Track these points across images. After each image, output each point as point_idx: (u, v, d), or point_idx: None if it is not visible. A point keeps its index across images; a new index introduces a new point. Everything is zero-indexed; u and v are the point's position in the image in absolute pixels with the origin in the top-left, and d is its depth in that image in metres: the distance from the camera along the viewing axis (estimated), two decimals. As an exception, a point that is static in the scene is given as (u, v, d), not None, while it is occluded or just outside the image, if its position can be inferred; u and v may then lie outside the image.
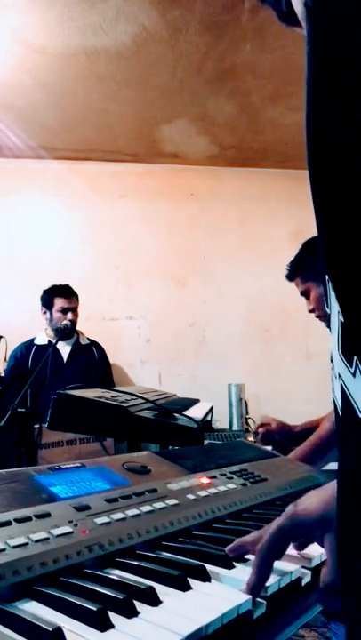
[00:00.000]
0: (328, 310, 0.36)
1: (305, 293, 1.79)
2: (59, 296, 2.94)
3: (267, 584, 0.55)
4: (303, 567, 0.62)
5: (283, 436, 1.75)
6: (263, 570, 0.54)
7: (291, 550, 0.62)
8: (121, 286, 3.63)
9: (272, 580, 0.56)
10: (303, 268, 1.77)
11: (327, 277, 0.34)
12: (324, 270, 0.35)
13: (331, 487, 0.54)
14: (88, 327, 3.23)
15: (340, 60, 0.30)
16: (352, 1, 0.29)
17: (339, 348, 0.34)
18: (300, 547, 0.64)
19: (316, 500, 0.54)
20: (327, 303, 0.35)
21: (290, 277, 1.83)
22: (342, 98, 0.30)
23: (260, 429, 1.87)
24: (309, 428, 1.77)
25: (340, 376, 0.34)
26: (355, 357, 0.32)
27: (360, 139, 0.29)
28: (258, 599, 0.53)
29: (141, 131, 3.29)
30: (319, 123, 0.33)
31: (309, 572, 0.62)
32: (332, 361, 0.36)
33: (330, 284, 0.34)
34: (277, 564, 0.60)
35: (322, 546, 0.56)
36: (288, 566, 0.60)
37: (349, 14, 0.29)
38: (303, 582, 0.61)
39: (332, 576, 0.51)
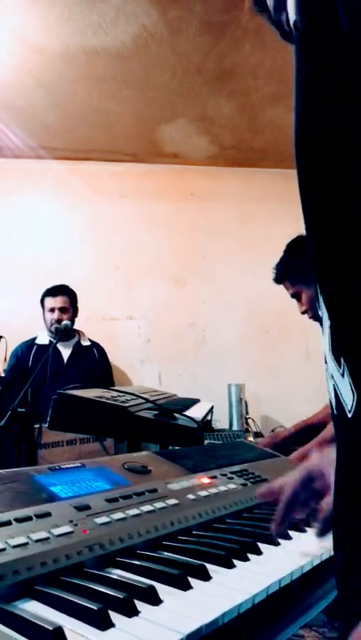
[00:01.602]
0: (320, 313, 0.37)
1: (296, 295, 1.75)
2: (47, 296, 2.98)
3: (267, 584, 0.55)
4: (304, 567, 0.61)
5: (278, 447, 1.72)
6: (289, 507, 0.66)
7: (291, 550, 0.62)
8: (121, 286, 3.63)
9: (272, 580, 0.56)
10: (291, 271, 1.73)
11: (316, 282, 0.36)
12: (314, 275, 0.36)
13: None
14: (88, 327, 3.22)
15: (328, 78, 0.33)
16: (339, 23, 0.32)
17: (329, 349, 0.35)
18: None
19: (331, 451, 0.62)
20: (319, 306, 0.37)
21: (278, 280, 1.78)
22: (331, 113, 0.32)
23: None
24: (303, 427, 1.77)
25: (332, 377, 0.35)
26: (342, 359, 0.34)
27: (349, 147, 0.31)
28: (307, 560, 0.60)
29: (141, 131, 3.29)
30: (308, 130, 0.35)
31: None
32: (326, 362, 0.37)
33: (318, 288, 0.35)
34: (278, 564, 0.60)
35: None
36: (288, 566, 0.60)
37: (337, 36, 0.32)
38: (303, 582, 0.61)
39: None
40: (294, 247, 1.75)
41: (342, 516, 0.36)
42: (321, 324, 0.38)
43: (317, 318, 1.74)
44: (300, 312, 1.77)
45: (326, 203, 0.33)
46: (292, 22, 0.38)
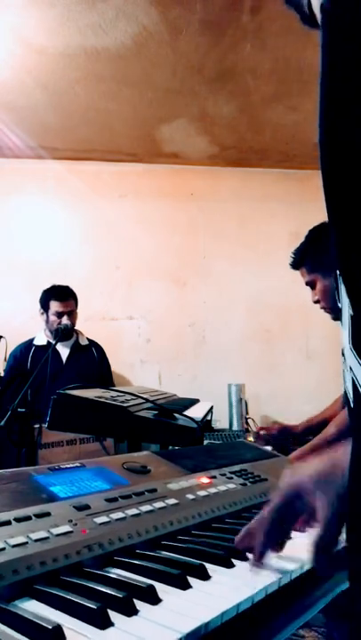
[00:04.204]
0: (340, 305, 0.36)
1: (311, 284, 1.72)
2: (54, 299, 2.89)
3: (266, 583, 0.55)
4: (303, 566, 0.61)
5: (284, 437, 1.74)
6: (269, 537, 0.56)
7: (291, 549, 0.62)
8: (121, 286, 3.63)
9: (272, 580, 0.56)
10: (309, 258, 1.69)
11: (338, 272, 0.35)
12: (336, 265, 0.35)
13: (327, 455, 0.56)
14: (88, 327, 3.23)
15: (354, 61, 0.32)
16: None
17: (350, 341, 0.35)
18: (307, 520, 0.64)
19: (312, 465, 0.56)
20: (338, 298, 0.36)
21: (295, 266, 1.74)
22: (356, 99, 0.31)
23: (262, 432, 1.86)
24: (310, 427, 1.77)
25: (351, 369, 0.35)
26: None
27: None
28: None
29: (141, 131, 3.29)
30: (333, 121, 0.34)
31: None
32: (343, 355, 0.37)
33: (341, 278, 0.35)
34: (277, 563, 0.60)
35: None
36: (288, 565, 0.60)
37: None
38: (303, 582, 0.61)
39: (324, 532, 0.52)
40: (316, 235, 1.69)
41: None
42: (333, 315, 0.37)
43: (329, 309, 1.72)
44: (312, 301, 1.73)
45: (353, 190, 0.33)
46: (317, 4, 0.37)
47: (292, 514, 0.58)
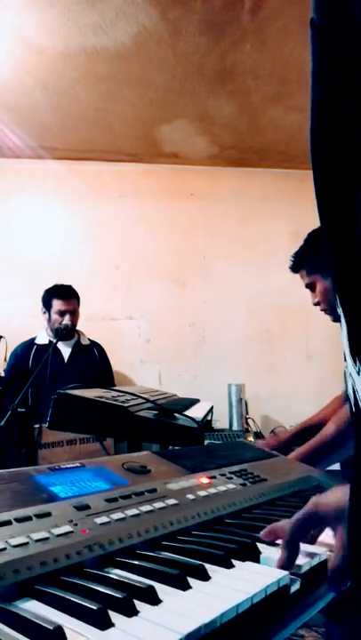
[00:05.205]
0: (339, 311, 0.37)
1: (310, 286, 1.71)
2: (57, 297, 2.90)
3: (266, 584, 0.55)
4: (302, 567, 0.62)
5: (283, 447, 1.72)
6: (292, 546, 0.61)
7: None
8: (121, 286, 3.63)
9: (271, 580, 0.56)
10: (309, 260, 1.69)
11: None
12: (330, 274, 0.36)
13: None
14: (88, 327, 3.23)
15: (347, 74, 0.33)
16: (357, 21, 0.32)
17: (348, 347, 0.35)
18: (312, 540, 0.68)
19: (337, 495, 0.61)
20: (337, 304, 0.37)
21: (294, 269, 1.74)
22: (349, 107, 0.32)
23: (260, 444, 1.85)
24: (306, 428, 1.76)
25: (350, 375, 0.36)
26: (357, 358, 0.34)
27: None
28: (292, 576, 0.59)
29: (141, 131, 3.29)
30: (323, 125, 0.35)
31: (308, 572, 0.62)
32: (345, 359, 0.37)
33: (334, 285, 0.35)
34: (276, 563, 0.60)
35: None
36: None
37: (355, 33, 0.32)
38: (302, 581, 0.61)
39: (340, 560, 0.57)
40: (316, 237, 1.69)
41: None
42: (333, 317, 0.38)
43: (329, 311, 1.72)
44: (312, 303, 1.73)
45: (343, 200, 0.33)
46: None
47: (307, 531, 0.64)
